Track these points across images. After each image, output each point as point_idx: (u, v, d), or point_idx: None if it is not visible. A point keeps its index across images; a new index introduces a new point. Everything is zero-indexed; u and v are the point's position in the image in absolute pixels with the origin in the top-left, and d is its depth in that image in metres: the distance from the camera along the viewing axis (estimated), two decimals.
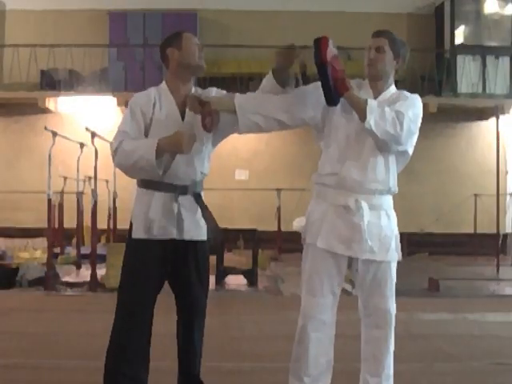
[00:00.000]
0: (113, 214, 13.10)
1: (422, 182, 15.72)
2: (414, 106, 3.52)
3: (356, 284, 3.68)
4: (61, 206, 13.19)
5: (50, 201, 9.30)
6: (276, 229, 14.45)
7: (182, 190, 3.62)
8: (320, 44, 3.38)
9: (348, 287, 6.79)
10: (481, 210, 15.00)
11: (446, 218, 15.72)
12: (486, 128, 15.98)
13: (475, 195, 15.29)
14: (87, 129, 9.48)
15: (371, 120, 3.37)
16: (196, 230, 3.66)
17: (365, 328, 3.66)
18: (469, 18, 16.38)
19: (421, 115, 3.58)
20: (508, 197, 15.75)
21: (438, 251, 15.10)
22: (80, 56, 15.53)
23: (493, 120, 13.29)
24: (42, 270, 9.16)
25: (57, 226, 12.91)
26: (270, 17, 16.50)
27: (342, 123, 3.55)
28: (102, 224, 12.21)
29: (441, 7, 16.65)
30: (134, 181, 3.72)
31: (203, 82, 10.95)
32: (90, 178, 10.66)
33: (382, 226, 3.55)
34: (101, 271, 9.05)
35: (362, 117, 3.39)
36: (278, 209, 14.62)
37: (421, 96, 3.70)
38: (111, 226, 13.26)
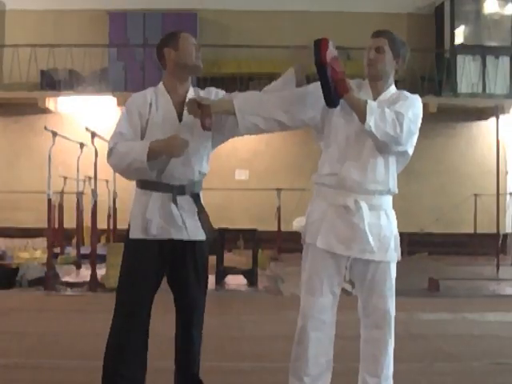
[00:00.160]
0: (113, 214, 13.11)
1: (421, 182, 15.73)
2: (413, 107, 3.52)
3: (356, 284, 3.68)
4: (61, 206, 13.20)
5: (49, 201, 9.31)
6: (276, 229, 14.45)
7: (180, 190, 3.62)
8: (320, 45, 3.37)
9: (348, 287, 6.79)
10: (481, 210, 15.00)
11: (446, 218, 15.72)
12: (485, 128, 15.99)
13: (475, 195, 15.29)
14: (87, 129, 9.49)
15: (371, 121, 3.37)
16: (194, 229, 3.65)
17: (364, 328, 3.66)
18: (469, 18, 16.39)
19: (421, 115, 3.57)
20: (508, 197, 15.76)
21: (437, 251, 15.11)
22: (80, 56, 15.54)
23: (493, 120, 13.29)
24: (42, 270, 9.17)
25: (57, 226, 12.92)
26: (270, 17, 16.50)
27: (342, 124, 3.54)
28: (102, 224, 12.22)
29: (441, 7, 16.66)
30: (134, 181, 3.73)
31: (203, 82, 10.97)
32: (89, 178, 10.67)
33: (382, 226, 3.55)
34: (101, 271, 9.05)
35: (362, 118, 3.39)
36: (278, 209, 14.63)
37: (421, 96, 3.69)
38: (111, 226, 13.27)
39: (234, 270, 9.81)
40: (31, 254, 11.61)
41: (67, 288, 8.99)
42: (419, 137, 3.62)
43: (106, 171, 10.26)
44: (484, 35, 16.26)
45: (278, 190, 14.67)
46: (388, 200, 3.61)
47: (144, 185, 3.63)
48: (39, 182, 11.51)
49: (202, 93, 3.72)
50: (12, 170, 15.93)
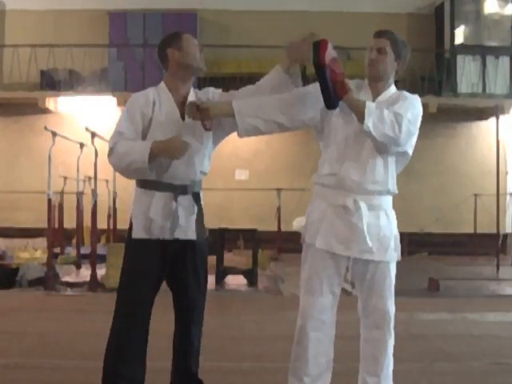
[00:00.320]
0: (113, 214, 13.10)
1: (421, 182, 15.73)
2: (413, 107, 3.51)
3: (355, 284, 3.68)
4: (61, 206, 13.19)
5: (49, 201, 9.31)
6: (276, 229, 14.45)
7: (182, 189, 3.62)
8: (319, 47, 3.37)
9: (348, 287, 6.79)
10: (481, 210, 15.00)
11: (446, 218, 15.72)
12: (485, 128, 15.99)
13: (475, 195, 15.29)
14: (87, 129, 9.49)
15: (369, 122, 3.36)
16: (195, 229, 3.65)
17: (364, 328, 3.66)
18: (469, 18, 16.39)
19: (420, 116, 3.57)
20: (508, 197, 15.76)
21: (437, 251, 15.11)
22: (80, 56, 15.54)
23: (493, 120, 13.29)
24: (42, 270, 9.17)
25: (57, 226, 12.92)
26: (270, 17, 16.51)
27: (341, 124, 3.54)
28: (102, 224, 12.22)
29: (441, 7, 16.66)
30: (134, 181, 3.73)
31: (203, 82, 10.98)
32: (89, 178, 10.67)
33: (381, 226, 3.55)
34: (101, 271, 9.05)
35: (361, 119, 3.39)
36: (278, 209, 14.63)
37: (421, 96, 3.69)
38: (111, 226, 13.27)
39: (234, 270, 9.80)
40: (31, 254, 11.61)
41: (67, 288, 8.99)
42: (419, 137, 3.61)
43: (105, 171, 10.31)
44: (484, 35, 16.26)
45: (278, 190, 14.68)
46: (388, 200, 3.61)
47: (146, 184, 3.63)
48: (39, 182, 11.52)
49: (199, 93, 3.72)
50: (12, 170, 15.94)
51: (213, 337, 4.58)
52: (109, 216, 13.13)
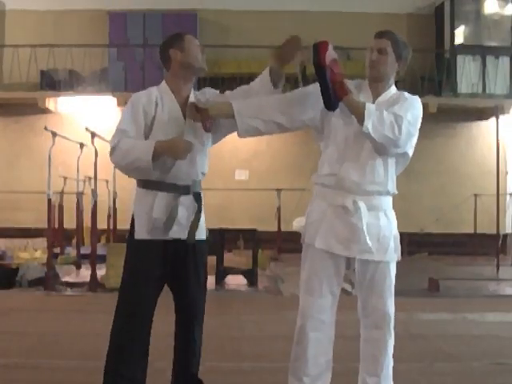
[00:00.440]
0: (113, 214, 13.10)
1: (421, 182, 15.73)
2: (413, 108, 3.51)
3: (355, 284, 3.68)
4: (61, 206, 13.19)
5: (49, 201, 9.30)
6: (276, 229, 14.45)
7: (185, 190, 3.63)
8: (319, 48, 3.37)
9: (348, 287, 6.80)
10: (481, 210, 15.00)
11: (446, 218, 15.72)
12: (485, 128, 15.99)
13: (475, 195, 15.29)
14: (87, 129, 9.49)
15: (369, 124, 3.36)
16: (197, 229, 3.66)
17: (364, 328, 3.66)
18: (469, 18, 16.39)
19: (420, 117, 3.56)
20: (508, 197, 15.75)
21: (437, 251, 15.11)
22: (80, 56, 15.55)
23: (493, 120, 13.29)
24: (42, 270, 9.16)
25: (57, 226, 12.92)
26: (269, 17, 16.50)
27: (341, 125, 3.54)
28: (102, 224, 12.22)
29: (441, 7, 16.66)
30: (134, 181, 3.73)
31: (203, 82, 10.99)
32: (89, 178, 10.66)
33: (381, 226, 3.55)
34: (101, 271, 9.04)
35: (360, 121, 3.39)
36: (278, 209, 14.63)
37: (421, 96, 3.69)
38: (111, 226, 13.26)
39: (234, 270, 9.80)
40: (31, 254, 11.61)
41: (67, 288, 8.98)
42: (419, 137, 3.61)
43: (105, 171, 10.33)
44: (484, 35, 16.26)
45: (278, 190, 14.67)
46: (387, 200, 3.61)
47: (148, 184, 3.63)
48: (39, 182, 11.51)
49: (198, 95, 3.72)
50: (12, 170, 15.94)
51: (213, 337, 4.57)
52: (109, 216, 13.13)
